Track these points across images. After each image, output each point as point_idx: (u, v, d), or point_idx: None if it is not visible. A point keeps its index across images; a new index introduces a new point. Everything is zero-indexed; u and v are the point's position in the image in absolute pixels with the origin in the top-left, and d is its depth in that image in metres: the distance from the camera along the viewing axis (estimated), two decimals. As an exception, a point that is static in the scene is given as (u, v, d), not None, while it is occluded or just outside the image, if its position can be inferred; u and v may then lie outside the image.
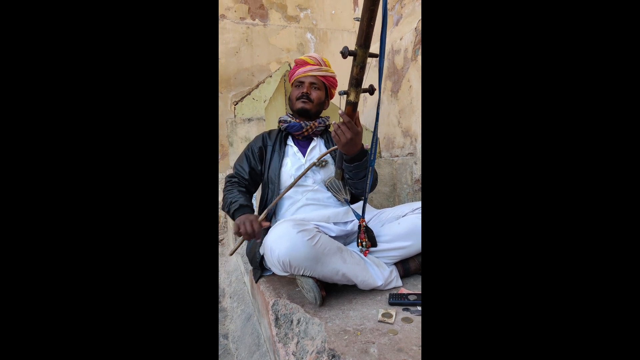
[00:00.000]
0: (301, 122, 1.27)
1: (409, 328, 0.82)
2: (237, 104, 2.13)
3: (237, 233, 1.04)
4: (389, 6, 2.47)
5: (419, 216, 1.11)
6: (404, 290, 1.02)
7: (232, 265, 1.89)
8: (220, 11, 3.05)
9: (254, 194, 1.35)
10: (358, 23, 0.80)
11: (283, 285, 1.10)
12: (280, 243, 0.92)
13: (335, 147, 1.22)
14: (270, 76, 2.19)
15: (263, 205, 1.25)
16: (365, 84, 0.92)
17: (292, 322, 0.94)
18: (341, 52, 0.84)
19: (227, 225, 2.34)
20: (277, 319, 0.96)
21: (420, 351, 0.72)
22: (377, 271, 1.04)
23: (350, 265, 0.99)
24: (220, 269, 1.93)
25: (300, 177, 1.19)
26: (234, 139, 2.00)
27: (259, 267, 1.16)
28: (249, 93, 2.17)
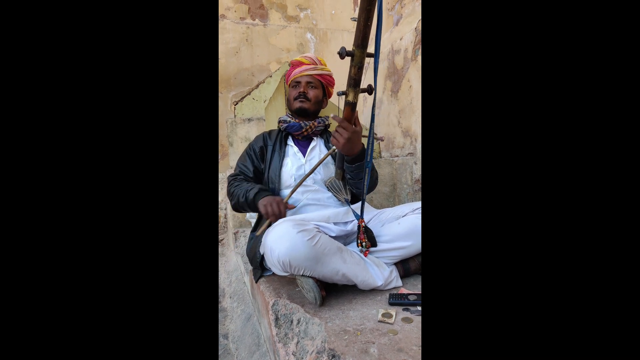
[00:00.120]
0: (300, 122, 1.27)
1: (409, 328, 0.82)
2: (237, 104, 2.14)
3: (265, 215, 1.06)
4: (389, 6, 2.47)
5: (419, 216, 1.11)
6: (404, 290, 1.02)
7: (232, 265, 1.89)
8: (220, 11, 3.05)
9: None
10: (356, 23, 0.80)
11: (283, 285, 1.10)
12: (280, 243, 0.92)
13: (333, 149, 1.22)
14: (270, 76, 2.19)
15: None
16: (363, 84, 0.92)
17: (292, 322, 0.94)
18: (338, 53, 0.84)
19: (227, 225, 2.34)
20: (277, 319, 0.96)
21: (420, 351, 0.72)
22: (377, 271, 1.04)
23: (350, 265, 0.99)
24: (220, 269, 1.93)
25: (314, 169, 1.18)
26: (234, 139, 2.00)
27: (259, 267, 1.16)
28: (249, 93, 2.17)
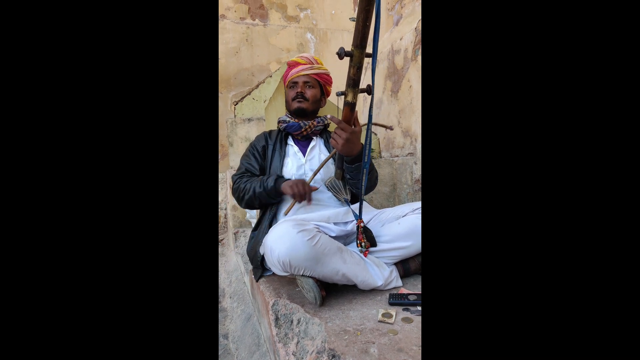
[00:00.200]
0: (300, 122, 1.27)
1: (409, 328, 0.82)
2: (237, 104, 2.14)
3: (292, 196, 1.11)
4: (389, 6, 2.47)
5: (419, 216, 1.11)
6: (404, 290, 1.02)
7: (232, 265, 1.89)
8: (220, 11, 3.05)
9: None
10: (355, 24, 0.79)
11: (283, 285, 1.10)
12: (281, 243, 0.92)
13: (335, 151, 1.22)
14: (270, 76, 2.19)
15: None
16: (363, 84, 0.92)
17: (292, 322, 0.94)
18: (337, 53, 0.84)
19: (227, 225, 2.34)
20: (277, 319, 0.96)
21: (420, 351, 0.72)
22: (377, 271, 1.04)
23: (350, 265, 0.99)
24: (220, 269, 1.93)
25: (325, 161, 1.20)
26: (234, 139, 2.00)
27: (259, 266, 1.16)
28: (249, 93, 2.17)
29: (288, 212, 1.13)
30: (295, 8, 3.31)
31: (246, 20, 3.14)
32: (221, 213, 2.37)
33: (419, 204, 1.17)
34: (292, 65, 1.30)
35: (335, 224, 1.15)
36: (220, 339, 1.36)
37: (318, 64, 1.29)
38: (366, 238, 1.04)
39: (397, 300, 0.94)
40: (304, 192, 1.10)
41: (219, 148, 2.89)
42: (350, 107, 0.95)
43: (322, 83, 1.31)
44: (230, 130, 2.01)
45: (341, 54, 0.83)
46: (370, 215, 1.22)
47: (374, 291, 1.04)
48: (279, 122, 1.33)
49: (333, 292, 1.03)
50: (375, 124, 1.38)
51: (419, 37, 2.04)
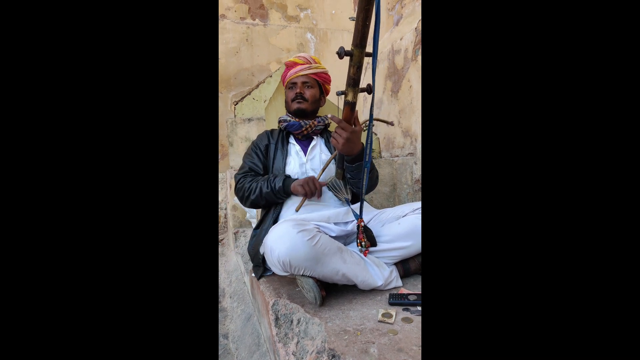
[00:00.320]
0: (300, 122, 1.27)
1: (409, 328, 0.82)
2: (237, 104, 2.14)
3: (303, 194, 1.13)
4: (389, 6, 2.47)
5: (419, 216, 1.11)
6: (404, 290, 1.02)
7: (232, 265, 1.89)
8: (220, 11, 3.05)
9: None
10: (354, 23, 0.80)
11: (283, 285, 1.10)
12: (281, 243, 0.92)
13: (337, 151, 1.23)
14: (271, 76, 2.19)
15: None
16: (363, 84, 0.92)
17: (292, 322, 0.94)
18: (337, 53, 0.84)
19: (227, 225, 2.34)
20: (277, 318, 0.96)
21: (420, 351, 0.72)
22: (377, 271, 1.04)
23: (350, 265, 0.99)
24: (220, 269, 1.93)
25: (330, 160, 1.20)
26: (234, 139, 2.00)
27: (260, 264, 1.16)
28: (249, 93, 2.17)
29: (299, 208, 1.15)
30: (296, 8, 3.30)
31: (246, 20, 3.14)
32: (221, 213, 2.37)
33: (419, 204, 1.17)
34: (290, 65, 1.30)
35: (335, 224, 1.15)
36: (220, 338, 1.36)
37: (316, 63, 1.29)
38: (366, 237, 1.04)
39: (397, 300, 0.94)
40: (315, 189, 1.12)
41: (219, 148, 2.89)
42: (351, 106, 0.95)
43: (321, 82, 1.31)
44: (230, 130, 2.01)
45: (341, 53, 0.83)
46: (371, 215, 1.22)
47: (374, 291, 1.04)
48: (279, 121, 1.33)
49: (333, 292, 1.03)
50: (377, 119, 1.38)
51: (419, 37, 2.04)
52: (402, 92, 2.23)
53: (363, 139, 1.06)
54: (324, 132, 1.35)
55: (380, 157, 2.08)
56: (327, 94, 1.37)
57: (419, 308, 0.91)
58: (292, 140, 1.32)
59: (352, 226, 1.18)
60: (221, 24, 3.04)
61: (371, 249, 1.06)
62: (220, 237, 2.27)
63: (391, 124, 1.30)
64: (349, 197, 1.20)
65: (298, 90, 1.27)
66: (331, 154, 1.27)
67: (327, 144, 1.32)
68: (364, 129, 1.12)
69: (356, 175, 1.10)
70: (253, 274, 1.23)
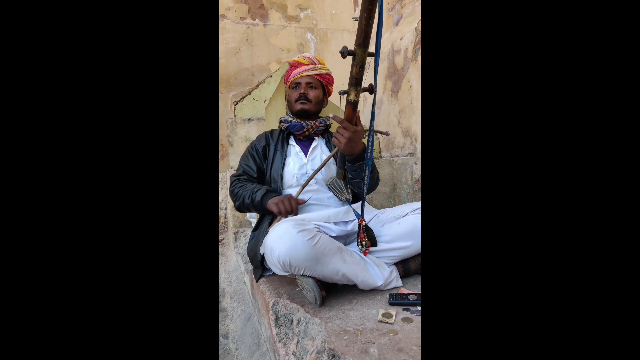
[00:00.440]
0: (302, 122, 1.27)
1: (409, 328, 0.82)
2: (237, 104, 2.14)
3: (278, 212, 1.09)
4: (389, 6, 2.47)
5: (419, 216, 1.11)
6: (404, 290, 1.02)
7: (232, 265, 1.89)
8: (221, 11, 3.05)
9: None
10: (357, 23, 0.80)
11: (283, 285, 1.10)
12: (281, 243, 0.92)
13: (337, 150, 1.22)
14: (271, 76, 2.19)
15: None
16: (364, 83, 0.92)
17: (292, 322, 0.94)
18: (340, 52, 0.84)
19: (227, 225, 2.34)
20: (277, 318, 0.96)
21: (420, 351, 0.72)
22: (377, 271, 1.04)
23: (350, 265, 0.99)
24: (220, 269, 1.93)
25: (316, 172, 1.19)
26: (234, 139, 2.00)
27: (260, 266, 1.16)
28: (249, 93, 2.17)
29: (272, 226, 1.10)
30: (296, 8, 3.30)
31: (246, 20, 3.14)
32: (221, 213, 2.37)
33: (419, 204, 1.17)
34: (294, 65, 1.29)
35: (335, 223, 1.15)
36: (220, 338, 1.36)
37: (320, 64, 1.29)
38: (367, 237, 1.04)
39: (397, 300, 0.94)
40: (290, 209, 1.08)
41: (219, 148, 2.89)
42: (353, 106, 0.95)
43: (324, 83, 1.31)
44: (230, 130, 2.01)
45: (344, 52, 0.83)
46: (371, 215, 1.22)
47: (374, 291, 1.03)
48: (280, 121, 1.33)
49: (333, 292, 1.03)
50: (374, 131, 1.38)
51: (419, 37, 2.04)
52: (402, 92, 2.23)
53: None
54: (325, 133, 1.35)
55: (380, 157, 2.08)
56: (330, 95, 1.37)
57: (419, 308, 0.91)
58: (292, 141, 1.31)
59: (352, 226, 1.18)
60: (221, 24, 3.04)
61: (371, 248, 1.06)
62: (220, 237, 2.27)
63: (386, 134, 1.31)
64: (350, 197, 1.20)
65: (302, 91, 1.27)
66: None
67: (328, 144, 1.32)
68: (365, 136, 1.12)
69: (357, 175, 1.10)
70: (253, 275, 1.23)
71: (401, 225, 1.10)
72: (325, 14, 3.38)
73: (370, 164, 1.02)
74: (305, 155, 1.28)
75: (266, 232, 1.10)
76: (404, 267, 1.13)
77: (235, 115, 2.13)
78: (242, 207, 1.21)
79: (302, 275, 0.96)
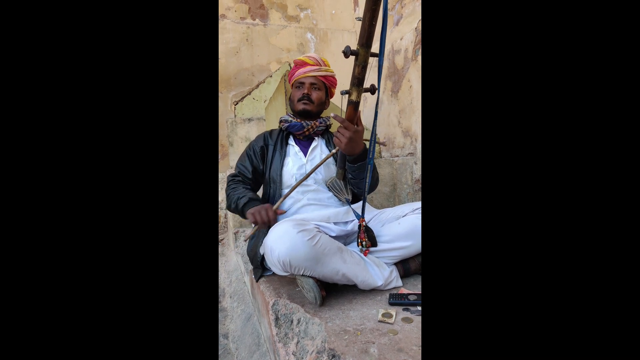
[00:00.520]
0: (302, 122, 1.27)
1: (409, 328, 0.82)
2: (237, 104, 2.14)
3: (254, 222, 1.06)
4: (389, 6, 2.47)
5: (419, 216, 1.11)
6: (404, 290, 1.02)
7: (232, 265, 1.89)
8: (221, 11, 3.04)
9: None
10: (358, 23, 0.80)
11: (283, 285, 1.10)
12: (281, 243, 0.92)
13: (336, 149, 1.22)
14: (271, 76, 2.19)
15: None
16: (366, 84, 0.92)
17: (292, 322, 0.94)
18: (343, 52, 0.84)
19: (227, 225, 2.34)
20: (277, 318, 0.96)
21: (420, 351, 0.72)
22: (377, 271, 1.04)
23: (350, 265, 0.99)
24: (220, 269, 1.93)
25: (306, 177, 1.18)
26: (234, 139, 2.00)
27: (259, 266, 1.16)
28: (249, 93, 2.17)
29: (248, 237, 1.11)
30: (296, 8, 3.30)
31: (246, 20, 3.13)
32: (221, 213, 2.37)
33: (419, 204, 1.17)
34: (299, 64, 1.29)
35: (335, 223, 1.15)
36: (220, 338, 1.36)
37: (325, 65, 1.29)
38: (367, 237, 1.04)
39: (397, 300, 0.94)
40: (266, 220, 1.05)
41: (219, 148, 2.89)
42: (354, 106, 0.95)
43: (327, 85, 1.31)
44: (230, 130, 2.01)
45: (347, 52, 0.84)
46: (371, 215, 1.22)
47: (374, 291, 1.03)
48: (280, 121, 1.33)
49: (333, 292, 1.03)
50: (366, 140, 1.38)
51: (419, 37, 2.04)
52: (402, 92, 2.23)
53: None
54: (325, 133, 1.35)
55: (380, 157, 2.08)
56: (332, 97, 1.37)
57: (419, 308, 0.91)
58: (291, 141, 1.31)
59: (352, 226, 1.18)
60: (221, 24, 3.04)
61: (371, 248, 1.06)
62: (220, 237, 2.27)
63: (383, 144, 1.31)
64: (350, 197, 1.20)
65: (305, 91, 1.27)
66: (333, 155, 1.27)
67: (328, 144, 1.32)
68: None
69: (357, 175, 1.10)
70: (253, 275, 1.23)
71: (401, 225, 1.10)
72: (325, 14, 3.38)
73: (372, 165, 1.02)
74: (305, 156, 1.28)
75: (266, 232, 1.10)
76: (404, 267, 1.13)
77: (235, 115, 2.13)
78: (230, 210, 1.22)
79: (302, 275, 0.96)
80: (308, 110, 1.27)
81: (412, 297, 0.95)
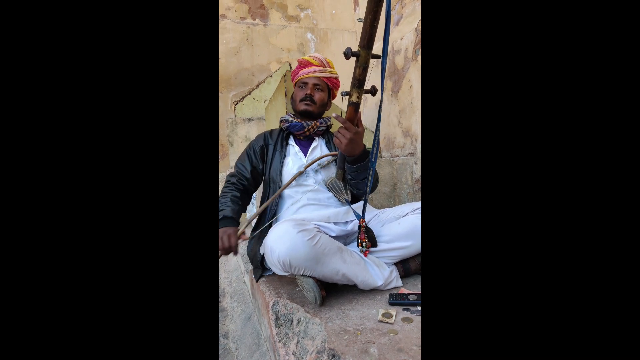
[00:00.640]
0: (303, 122, 1.27)
1: (409, 328, 0.82)
2: (237, 103, 2.14)
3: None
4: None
5: (419, 216, 1.11)
6: (404, 290, 1.02)
7: (232, 265, 1.89)
8: (221, 11, 3.05)
9: (254, 194, 1.35)
10: (359, 23, 0.80)
11: (283, 285, 1.10)
12: (281, 243, 0.92)
13: (335, 152, 1.23)
14: (271, 76, 2.19)
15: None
16: (366, 85, 0.92)
17: (292, 322, 0.94)
18: (344, 53, 0.84)
19: (227, 225, 2.33)
20: (277, 318, 0.96)
21: (420, 351, 0.72)
22: (377, 271, 1.04)
23: (350, 265, 0.99)
24: (220, 269, 1.93)
25: (293, 179, 1.18)
26: (234, 138, 2.00)
27: (259, 266, 1.16)
28: (249, 93, 2.17)
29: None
30: (296, 8, 3.30)
31: (246, 20, 3.13)
32: (221, 213, 2.36)
33: (419, 204, 1.17)
34: (303, 64, 1.29)
35: (335, 223, 1.15)
36: (220, 338, 1.36)
37: (330, 67, 1.29)
38: (367, 238, 1.04)
39: (397, 300, 0.94)
40: (227, 246, 1.06)
41: (219, 148, 2.89)
42: (355, 107, 0.95)
43: (330, 87, 1.31)
44: (230, 130, 2.01)
45: (348, 54, 0.84)
46: (371, 215, 1.22)
47: (374, 291, 1.04)
48: (281, 121, 1.33)
49: (333, 292, 1.03)
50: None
51: (419, 37, 2.04)
52: (402, 92, 2.23)
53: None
54: (326, 133, 1.35)
55: (381, 157, 2.08)
56: (334, 98, 1.37)
57: (419, 308, 0.91)
58: (291, 141, 1.31)
59: (352, 226, 1.18)
60: (221, 24, 3.04)
61: (371, 249, 1.06)
62: (220, 237, 2.26)
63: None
64: (349, 198, 1.20)
65: (308, 92, 1.26)
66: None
67: (329, 145, 1.32)
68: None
69: (357, 176, 1.10)
70: (253, 275, 1.23)
71: (401, 225, 1.10)
72: (325, 14, 3.38)
73: (374, 167, 1.02)
74: (305, 156, 1.28)
75: (266, 232, 1.11)
76: (404, 267, 1.13)
77: (235, 115, 2.13)
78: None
79: (302, 275, 0.96)
80: (309, 111, 1.27)
81: (412, 297, 0.95)
